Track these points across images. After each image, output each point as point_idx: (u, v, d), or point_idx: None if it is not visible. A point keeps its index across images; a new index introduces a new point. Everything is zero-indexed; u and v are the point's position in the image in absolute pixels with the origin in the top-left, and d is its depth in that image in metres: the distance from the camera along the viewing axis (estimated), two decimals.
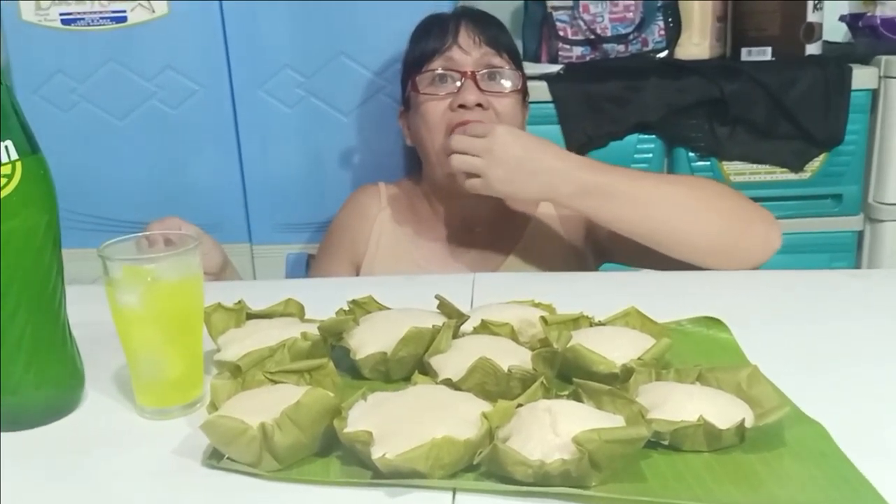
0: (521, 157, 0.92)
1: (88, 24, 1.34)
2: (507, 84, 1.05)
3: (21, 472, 0.56)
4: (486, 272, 1.05)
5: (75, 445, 0.59)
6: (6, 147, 0.58)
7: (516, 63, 1.08)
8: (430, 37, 1.06)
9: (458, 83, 1.03)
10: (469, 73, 1.02)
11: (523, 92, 1.09)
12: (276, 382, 0.61)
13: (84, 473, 0.55)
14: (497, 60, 1.05)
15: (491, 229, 1.11)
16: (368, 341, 0.68)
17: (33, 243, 0.60)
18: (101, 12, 1.33)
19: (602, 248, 1.11)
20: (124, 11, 1.33)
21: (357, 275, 1.13)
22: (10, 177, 0.58)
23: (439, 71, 1.04)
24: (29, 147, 0.59)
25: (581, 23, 1.56)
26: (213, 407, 0.58)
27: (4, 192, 0.58)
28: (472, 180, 0.94)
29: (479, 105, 1.01)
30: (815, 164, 1.47)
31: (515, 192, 0.94)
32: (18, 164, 0.58)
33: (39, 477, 0.55)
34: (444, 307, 0.74)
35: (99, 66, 1.35)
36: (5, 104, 0.58)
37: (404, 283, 0.95)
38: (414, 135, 1.10)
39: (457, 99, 1.02)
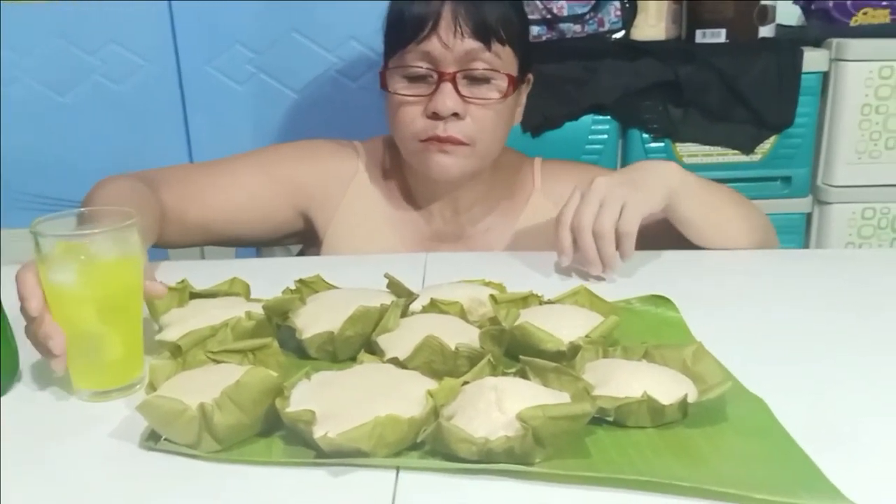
0: (629, 180, 0.84)
1: None
2: (490, 89, 0.90)
3: None
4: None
5: (9, 428, 0.57)
6: None
7: (518, 47, 0.91)
8: (411, 14, 0.88)
9: (435, 84, 0.89)
10: (447, 74, 0.88)
11: (520, 75, 0.95)
12: (218, 362, 0.60)
13: (18, 458, 0.54)
14: (485, 56, 0.88)
15: (475, 228, 1.02)
16: (315, 321, 0.67)
17: None
18: None
19: None
20: None
21: (305, 227, 1.02)
22: None
23: (410, 70, 0.89)
24: None
25: (538, 2, 1.55)
26: (152, 388, 0.57)
27: None
28: (625, 220, 0.82)
29: (456, 114, 0.89)
30: (766, 146, 1.49)
31: (654, 203, 0.84)
32: None
33: None
34: (394, 286, 0.73)
35: (40, 40, 1.31)
36: None
37: (354, 263, 0.94)
38: (388, 118, 0.95)
39: (430, 105, 0.89)
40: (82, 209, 0.66)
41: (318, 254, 1.03)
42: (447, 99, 0.88)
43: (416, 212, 1.02)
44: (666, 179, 0.86)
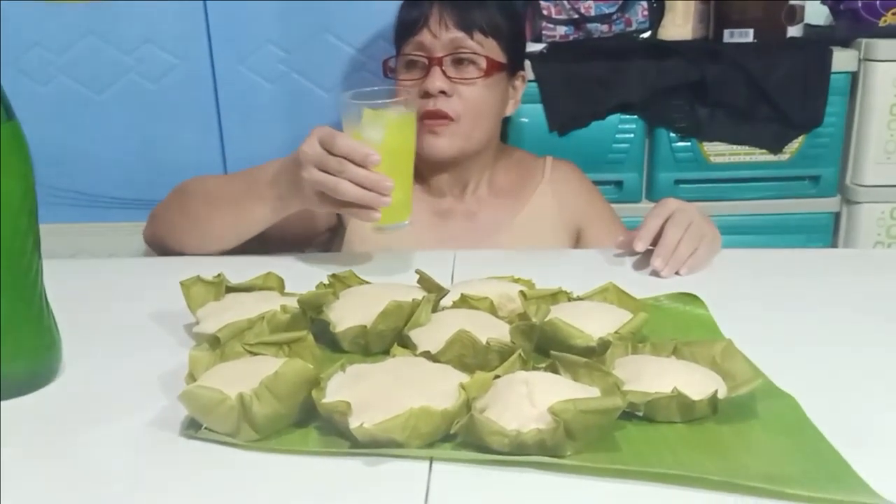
0: (710, 223, 0.94)
1: None
2: (474, 70, 1.04)
3: None
4: (470, 249, 1.04)
5: (52, 418, 0.59)
6: None
7: (503, 40, 1.07)
8: (407, 16, 1.06)
9: (427, 69, 1.03)
10: (435, 58, 1.03)
11: (510, 67, 1.08)
12: (254, 354, 0.62)
13: (62, 446, 0.55)
14: (468, 44, 1.03)
15: (480, 206, 1.12)
16: (348, 315, 0.68)
17: (9, 211, 0.59)
18: None
19: (581, 243, 1.14)
20: None
21: (338, 219, 1.10)
22: None
23: (407, 57, 1.05)
24: (5, 114, 0.58)
25: (565, 2, 1.55)
26: (192, 378, 0.58)
27: None
28: (705, 248, 0.90)
29: (444, 92, 1.02)
30: (794, 145, 1.48)
31: (716, 250, 0.94)
32: None
33: (16, 450, 0.55)
34: (424, 281, 0.74)
35: (77, 39, 1.34)
36: None
37: (385, 258, 0.95)
38: None
39: (422, 87, 1.03)
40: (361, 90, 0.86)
41: (342, 241, 1.10)
42: (436, 79, 1.03)
43: (427, 189, 1.13)
44: (717, 239, 0.95)
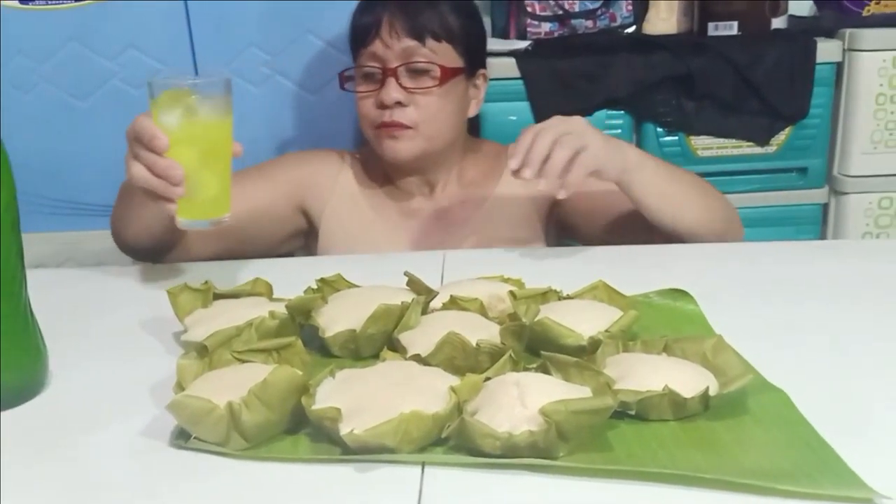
0: (603, 134, 0.91)
1: (47, 3, 1.31)
2: (429, 79, 1.02)
3: None
4: (450, 247, 1.04)
5: (41, 428, 0.58)
6: None
7: (458, 43, 1.04)
8: (359, 24, 1.05)
9: (381, 79, 1.02)
10: (389, 69, 1.02)
11: (469, 68, 1.07)
12: (243, 362, 0.61)
13: (51, 456, 0.55)
14: (422, 52, 1.02)
15: (450, 202, 1.12)
16: (337, 319, 0.68)
17: None
18: None
19: (567, 226, 1.12)
20: None
21: (306, 222, 1.12)
22: None
23: (363, 69, 1.04)
24: None
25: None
26: (180, 387, 0.58)
27: None
28: (584, 155, 0.86)
29: (399, 103, 1.02)
30: (781, 137, 1.49)
31: (610, 164, 0.90)
32: None
33: (5, 460, 0.54)
34: (413, 284, 0.74)
35: (59, 46, 1.32)
36: None
37: (373, 261, 0.95)
38: None
39: (377, 98, 1.03)
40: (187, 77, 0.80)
41: (316, 245, 1.12)
42: (391, 90, 1.02)
43: (396, 192, 1.13)
44: (625, 155, 0.92)
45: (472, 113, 1.12)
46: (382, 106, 1.03)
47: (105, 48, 1.33)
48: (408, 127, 1.03)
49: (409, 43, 1.02)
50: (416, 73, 1.03)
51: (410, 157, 1.05)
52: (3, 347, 0.60)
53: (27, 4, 1.31)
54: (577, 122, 0.90)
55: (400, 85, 1.02)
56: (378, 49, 1.02)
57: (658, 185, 0.94)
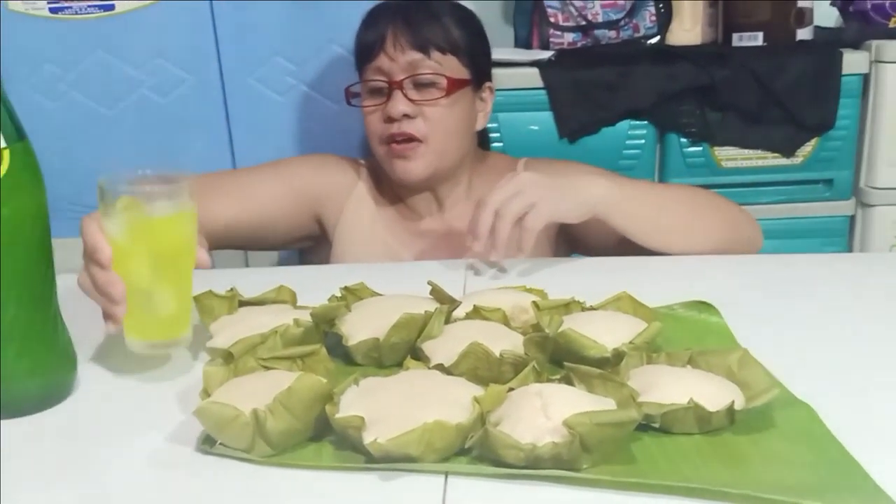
0: (553, 183, 0.89)
1: (76, 13, 1.33)
2: (435, 91, 1.02)
3: (13, 461, 0.55)
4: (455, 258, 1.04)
5: (69, 433, 0.59)
6: None
7: (463, 55, 1.04)
8: (364, 40, 1.05)
9: (388, 93, 1.02)
10: (395, 82, 1.02)
11: (475, 80, 1.06)
12: (268, 369, 0.62)
13: (78, 461, 0.55)
14: (427, 64, 1.02)
15: (459, 220, 1.09)
16: (361, 327, 0.68)
17: (23, 231, 0.59)
18: (88, 0, 1.32)
19: (576, 241, 1.11)
20: None
21: (319, 230, 1.12)
22: None
23: (369, 84, 1.04)
24: (16, 134, 0.59)
25: (572, 9, 1.55)
26: (206, 393, 0.58)
27: None
28: (531, 215, 0.86)
29: (407, 115, 1.01)
30: (807, 149, 1.48)
31: (567, 210, 0.89)
32: (6, 152, 0.58)
33: (33, 466, 0.55)
34: (437, 293, 0.74)
35: (87, 54, 1.34)
36: None
37: (396, 269, 0.95)
38: None
39: (385, 111, 1.02)
40: (147, 173, 0.68)
41: (328, 254, 1.12)
42: (398, 103, 1.01)
43: (407, 211, 1.12)
44: (587, 194, 0.90)
45: (479, 126, 1.11)
46: (390, 119, 1.02)
47: (132, 57, 1.35)
48: (418, 140, 1.02)
49: (415, 55, 1.02)
50: (423, 85, 1.02)
51: (423, 176, 1.05)
52: (34, 352, 0.61)
53: (56, 14, 1.33)
54: (521, 180, 0.88)
55: (406, 97, 1.02)
56: (383, 63, 1.02)
57: (639, 213, 0.93)
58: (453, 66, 1.04)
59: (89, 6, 1.33)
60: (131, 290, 0.63)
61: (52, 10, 1.33)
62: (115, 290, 0.63)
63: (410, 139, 1.02)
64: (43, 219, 0.61)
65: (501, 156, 1.19)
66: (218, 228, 1.01)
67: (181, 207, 0.64)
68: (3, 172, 0.58)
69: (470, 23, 1.08)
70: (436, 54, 1.02)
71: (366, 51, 1.04)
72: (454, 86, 1.03)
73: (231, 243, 1.08)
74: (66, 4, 1.33)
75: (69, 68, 1.35)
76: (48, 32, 1.33)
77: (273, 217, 1.08)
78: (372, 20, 1.05)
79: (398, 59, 1.02)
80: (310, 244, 1.17)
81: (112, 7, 1.33)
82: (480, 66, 1.08)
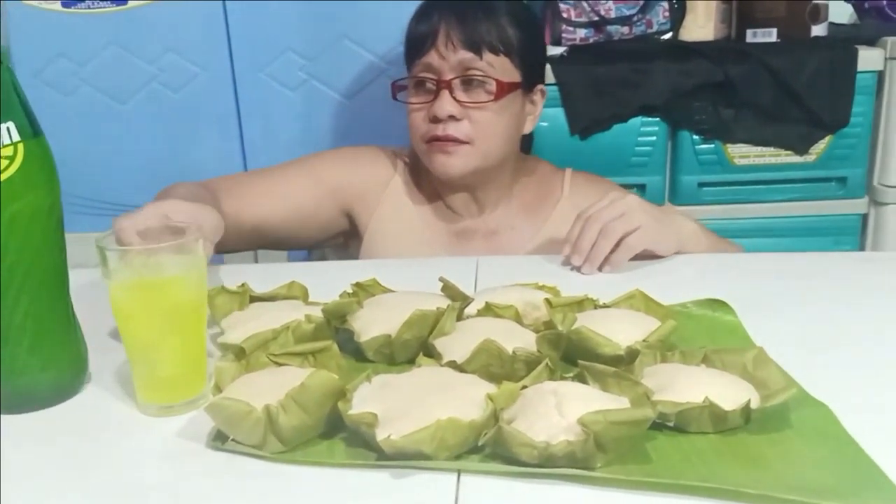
0: (657, 212, 0.92)
1: (89, 7, 1.33)
2: (484, 93, 0.99)
3: (25, 456, 0.56)
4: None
5: (81, 428, 0.59)
6: (7, 128, 0.57)
7: (516, 56, 1.01)
8: (415, 34, 1.02)
9: (436, 91, 0.99)
10: (444, 81, 0.99)
11: (526, 83, 1.04)
12: (280, 365, 0.61)
13: (90, 456, 0.56)
14: (478, 65, 0.98)
15: (499, 225, 1.09)
16: (372, 324, 0.68)
17: (37, 226, 0.59)
18: None
19: None
20: None
21: (350, 225, 1.10)
22: (11, 159, 0.57)
23: (416, 78, 1.01)
24: (31, 129, 0.59)
25: (585, 4, 1.54)
26: (218, 389, 0.58)
27: (6, 175, 0.57)
28: (634, 237, 0.88)
29: (453, 117, 0.99)
30: (821, 146, 1.46)
31: (664, 242, 0.91)
32: (20, 146, 0.58)
33: (45, 460, 0.55)
34: (448, 290, 0.74)
35: (100, 49, 1.35)
36: (6, 85, 0.58)
37: (407, 266, 0.95)
38: None
39: (430, 110, 1.00)
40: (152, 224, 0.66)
41: (358, 249, 1.10)
42: (445, 103, 0.99)
43: (445, 210, 1.09)
44: (681, 232, 0.94)
45: (527, 129, 1.08)
46: (435, 119, 0.99)
47: (144, 52, 1.35)
48: (462, 142, 1.00)
49: (466, 55, 0.98)
50: (472, 86, 0.99)
51: (462, 174, 1.02)
52: (46, 347, 0.61)
53: (69, 8, 1.34)
54: (628, 203, 0.89)
55: (454, 98, 0.99)
56: (433, 60, 0.99)
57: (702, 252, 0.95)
58: (505, 68, 1.00)
59: (102, 1, 1.33)
60: (138, 350, 0.60)
61: (65, 5, 1.33)
62: None
63: (454, 141, 1.00)
64: (57, 214, 0.61)
65: (543, 161, 1.16)
66: (247, 229, 1.01)
67: (191, 263, 0.60)
68: (17, 167, 0.57)
69: (526, 22, 1.03)
70: (488, 55, 0.99)
71: (416, 45, 1.01)
72: (504, 90, 1.00)
73: (262, 243, 1.07)
74: None
75: (82, 63, 1.36)
76: (61, 27, 1.34)
77: (305, 215, 1.06)
78: (425, 13, 1.01)
79: (449, 57, 0.98)
80: (340, 241, 1.15)
81: (124, 1, 1.33)
82: (533, 68, 1.05)
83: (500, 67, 1.00)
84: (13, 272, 0.59)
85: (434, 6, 1.01)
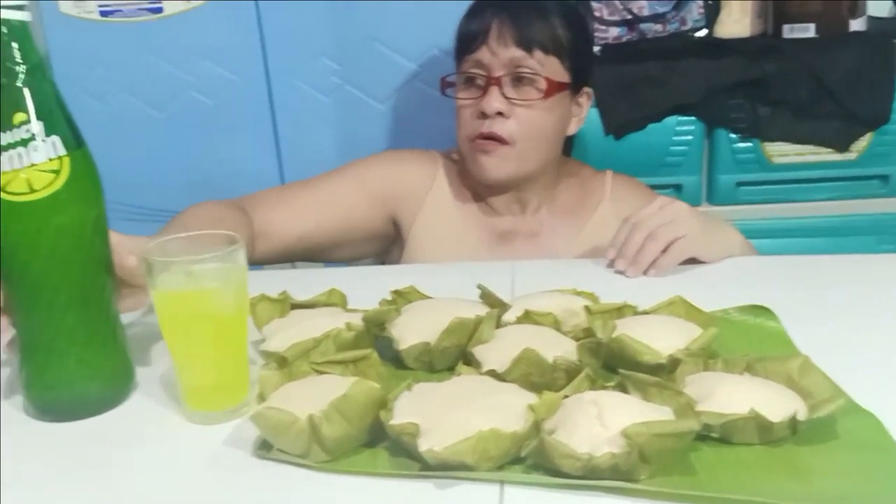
0: (706, 221, 0.91)
1: (126, 16, 1.35)
2: (533, 91, 1.00)
3: (74, 463, 0.57)
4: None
5: (128, 437, 0.60)
6: (53, 142, 0.58)
7: (566, 58, 1.01)
8: (466, 30, 1.02)
9: (485, 87, 1.00)
10: (493, 78, 0.99)
11: (574, 84, 1.04)
12: (321, 373, 0.62)
13: (137, 464, 0.57)
14: (528, 63, 0.99)
15: (541, 227, 1.09)
16: (411, 331, 0.68)
17: (83, 239, 0.60)
18: (138, 3, 1.35)
19: None
20: (160, 2, 1.34)
21: (395, 231, 1.11)
22: (58, 172, 0.58)
23: (466, 73, 1.02)
24: (75, 141, 0.59)
25: (617, 3, 1.53)
26: (261, 398, 0.59)
27: (53, 189, 0.57)
28: (681, 244, 0.88)
29: (501, 113, 0.99)
30: (862, 143, 1.43)
31: (711, 250, 0.91)
32: (66, 160, 0.58)
33: (92, 468, 0.56)
34: (487, 297, 0.74)
35: (136, 57, 1.37)
36: (49, 98, 0.58)
37: (444, 271, 0.95)
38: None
39: (478, 106, 1.00)
40: (190, 233, 0.65)
41: (400, 253, 1.10)
42: (493, 100, 0.99)
43: (488, 210, 1.10)
44: (730, 243, 0.94)
45: (571, 131, 1.08)
46: (482, 116, 1.00)
47: (180, 59, 1.37)
48: (504, 143, 1.00)
49: (517, 52, 0.99)
50: (521, 84, 1.00)
51: (501, 178, 1.03)
52: (94, 357, 0.62)
53: (106, 17, 1.36)
54: (678, 209, 0.89)
55: (503, 95, 0.99)
56: (484, 56, 1.00)
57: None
58: (554, 68, 1.01)
59: (139, 9, 1.35)
60: (182, 359, 0.61)
61: (103, 14, 1.35)
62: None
63: (498, 140, 1.00)
64: (102, 226, 0.62)
65: (583, 164, 1.16)
66: (292, 241, 1.02)
67: (232, 273, 0.61)
68: (63, 181, 0.58)
69: (577, 24, 1.04)
70: (538, 54, 0.99)
71: (467, 41, 1.02)
72: (553, 88, 1.00)
73: (306, 255, 1.08)
74: (116, 8, 1.35)
75: (119, 71, 1.38)
76: (99, 36, 1.36)
77: (352, 223, 1.07)
78: (478, 10, 1.02)
79: (500, 54, 0.99)
80: (383, 248, 1.15)
81: (160, 10, 1.35)
82: (581, 70, 1.05)
83: (550, 67, 1.00)
84: (60, 285, 0.59)
85: (487, 4, 1.02)
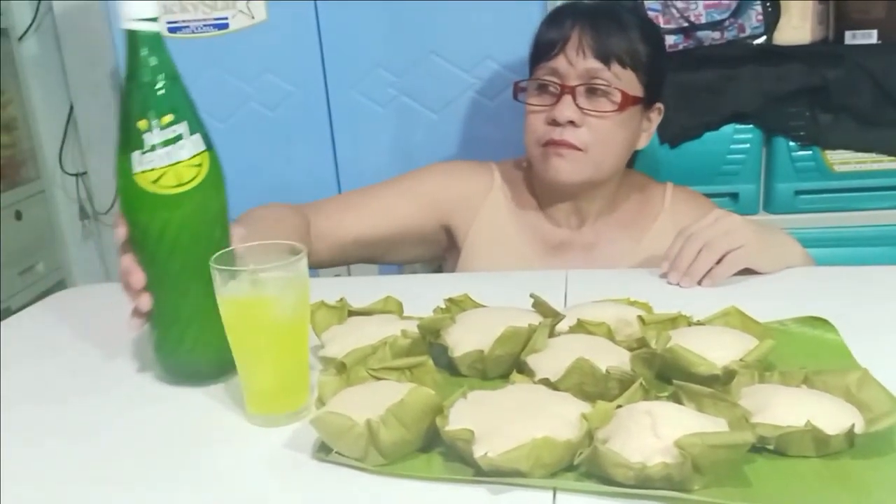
0: (762, 232, 0.91)
1: (193, 32, 1.41)
2: (607, 103, 0.99)
3: (138, 460, 0.60)
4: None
5: (192, 437, 0.63)
6: (195, 140, 0.65)
7: (642, 72, 1.01)
8: (545, 38, 1.02)
9: (558, 96, 0.99)
10: (568, 87, 0.99)
11: (647, 99, 1.03)
12: (378, 379, 0.64)
13: (201, 463, 0.59)
14: (605, 75, 0.98)
15: (598, 238, 1.09)
16: (465, 339, 0.69)
17: (217, 224, 0.67)
18: (204, 20, 1.40)
19: None
20: (226, 18, 1.39)
21: (448, 239, 1.12)
22: (200, 166, 0.65)
23: (540, 81, 1.01)
24: (205, 143, 0.66)
25: (674, 10, 1.52)
26: (321, 402, 0.61)
27: (198, 181, 0.65)
28: (735, 255, 0.88)
29: (572, 122, 0.99)
30: None
31: (767, 262, 0.90)
32: (206, 155, 0.66)
33: (155, 467, 0.59)
34: (540, 306, 0.75)
35: (202, 71, 1.42)
36: (189, 102, 0.65)
37: (498, 280, 0.96)
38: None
39: (550, 114, 1.00)
40: (255, 243, 0.68)
41: (455, 261, 1.11)
42: (566, 108, 0.99)
43: (545, 221, 1.10)
44: (788, 255, 0.93)
45: (640, 145, 1.07)
46: (554, 123, 1.00)
47: (243, 72, 1.41)
48: (577, 148, 1.00)
49: (595, 64, 0.98)
50: (595, 95, 0.99)
51: (572, 181, 1.02)
52: (211, 331, 0.65)
53: (175, 34, 1.41)
54: (733, 221, 0.89)
55: (576, 104, 0.99)
56: (560, 65, 0.99)
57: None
58: (630, 82, 1.00)
59: (205, 25, 1.40)
60: (245, 363, 0.64)
61: (171, 30, 1.41)
62: (133, 279, 0.67)
63: (570, 147, 1.00)
64: (224, 218, 0.68)
65: (645, 175, 1.15)
66: (348, 242, 1.06)
67: (294, 282, 0.63)
68: (205, 174, 0.65)
69: (655, 40, 1.04)
70: (615, 66, 0.99)
71: (545, 49, 1.01)
72: (627, 102, 1.00)
73: (361, 257, 1.11)
74: (184, 24, 1.40)
75: (186, 84, 1.43)
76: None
77: (405, 229, 1.09)
78: (557, 18, 1.02)
79: (577, 64, 0.99)
80: (439, 253, 1.16)
81: (226, 25, 1.40)
82: (656, 86, 1.04)
83: (626, 80, 1.00)
84: (188, 265, 0.66)
85: (568, 13, 1.01)
